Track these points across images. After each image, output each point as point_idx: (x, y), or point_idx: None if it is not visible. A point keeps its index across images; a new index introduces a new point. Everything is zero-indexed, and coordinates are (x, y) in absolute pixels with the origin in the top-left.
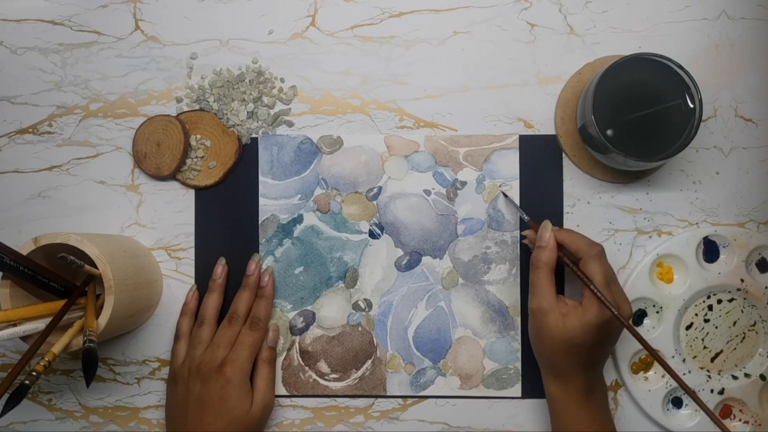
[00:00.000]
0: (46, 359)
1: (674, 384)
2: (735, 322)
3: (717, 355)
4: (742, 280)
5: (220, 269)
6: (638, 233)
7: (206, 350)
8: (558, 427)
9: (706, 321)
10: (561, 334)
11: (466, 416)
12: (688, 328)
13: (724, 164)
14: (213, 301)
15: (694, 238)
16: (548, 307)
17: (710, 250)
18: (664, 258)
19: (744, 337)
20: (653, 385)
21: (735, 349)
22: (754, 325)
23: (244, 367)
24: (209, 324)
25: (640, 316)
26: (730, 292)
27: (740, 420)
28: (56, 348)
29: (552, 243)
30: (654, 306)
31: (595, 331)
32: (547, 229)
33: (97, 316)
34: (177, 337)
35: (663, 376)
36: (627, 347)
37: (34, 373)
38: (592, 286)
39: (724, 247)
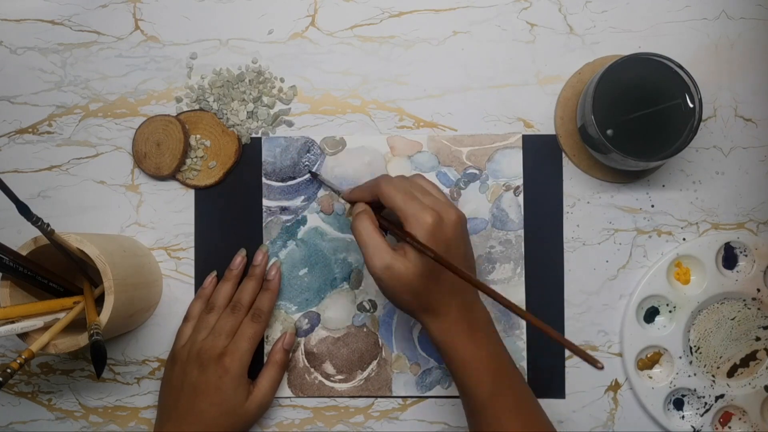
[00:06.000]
0: (23, 357)
1: (678, 384)
2: (745, 332)
3: (724, 361)
4: (758, 290)
5: (239, 260)
6: (638, 233)
7: (207, 337)
8: (455, 369)
9: (717, 326)
10: (414, 272)
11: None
12: (698, 330)
13: (724, 164)
14: (226, 290)
15: (715, 243)
16: (391, 260)
17: (730, 257)
18: (683, 259)
19: (752, 347)
20: (657, 383)
21: (743, 357)
22: (763, 336)
23: (243, 358)
24: (218, 311)
25: (652, 313)
26: (744, 300)
27: (740, 429)
28: (34, 346)
29: (364, 206)
30: (668, 305)
31: (433, 241)
32: (355, 200)
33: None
34: (186, 319)
35: (668, 375)
36: (634, 344)
37: (8, 370)
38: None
39: (744, 254)
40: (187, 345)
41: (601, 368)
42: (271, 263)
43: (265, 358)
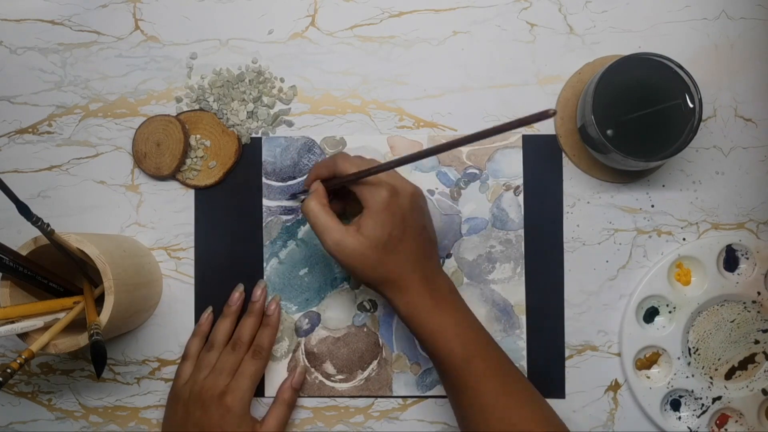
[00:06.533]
0: (23, 357)
1: (675, 385)
2: (744, 334)
3: (722, 363)
4: (759, 293)
5: (237, 295)
6: (638, 233)
7: (209, 376)
8: (425, 341)
9: (717, 328)
10: (368, 245)
11: None
12: (698, 332)
13: (724, 164)
14: (225, 327)
15: (717, 244)
16: (341, 236)
17: (731, 259)
18: (684, 260)
19: (750, 350)
20: (655, 383)
21: (741, 360)
22: (762, 339)
23: (245, 396)
24: (218, 349)
25: (652, 313)
26: (744, 303)
27: (736, 431)
28: (34, 346)
29: (316, 186)
30: (668, 306)
31: (389, 213)
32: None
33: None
34: (184, 357)
35: (665, 376)
36: (633, 343)
37: (8, 370)
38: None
39: (745, 257)
40: (188, 384)
41: (554, 114)
42: (270, 299)
43: (267, 388)
